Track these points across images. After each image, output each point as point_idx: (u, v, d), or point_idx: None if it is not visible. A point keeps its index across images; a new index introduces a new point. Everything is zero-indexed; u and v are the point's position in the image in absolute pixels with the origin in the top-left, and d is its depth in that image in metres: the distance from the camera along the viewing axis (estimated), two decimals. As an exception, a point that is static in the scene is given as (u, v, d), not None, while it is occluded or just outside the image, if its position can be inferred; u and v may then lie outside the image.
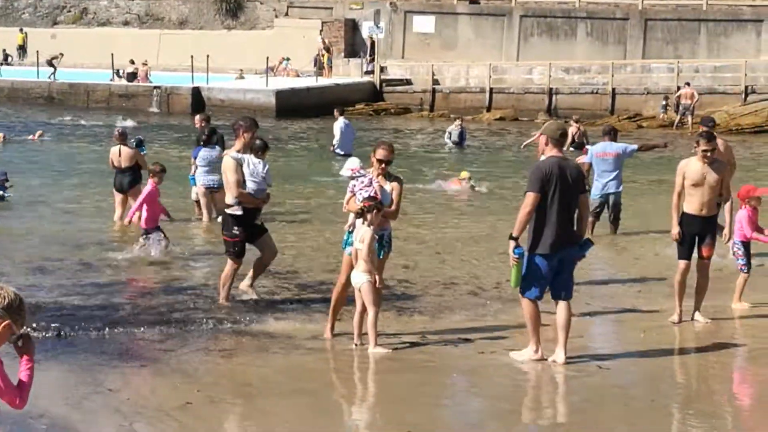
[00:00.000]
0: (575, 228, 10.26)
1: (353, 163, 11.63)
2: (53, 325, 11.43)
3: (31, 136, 33.49)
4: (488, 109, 46.79)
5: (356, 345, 10.85)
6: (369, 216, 10.58)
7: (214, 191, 18.48)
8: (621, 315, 12.68)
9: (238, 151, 12.48)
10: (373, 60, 50.76)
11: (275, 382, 9.87)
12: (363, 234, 10.62)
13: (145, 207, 15.71)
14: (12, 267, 14.78)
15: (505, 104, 46.91)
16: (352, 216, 11.09)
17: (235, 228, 12.44)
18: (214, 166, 18.39)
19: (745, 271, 12.94)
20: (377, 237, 10.73)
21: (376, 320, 10.72)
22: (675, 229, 12.15)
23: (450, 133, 35.00)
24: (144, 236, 15.67)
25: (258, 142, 12.53)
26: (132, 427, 8.50)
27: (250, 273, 12.89)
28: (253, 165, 12.41)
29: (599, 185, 17.95)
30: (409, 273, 14.95)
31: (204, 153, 18.57)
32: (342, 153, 28.84)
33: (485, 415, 9.21)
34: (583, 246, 10.37)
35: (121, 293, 13.42)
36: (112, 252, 15.96)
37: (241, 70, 50.24)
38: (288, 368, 10.52)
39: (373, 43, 51.48)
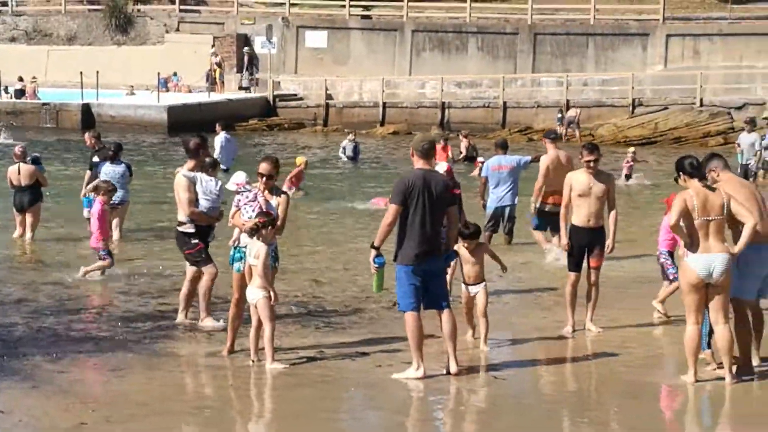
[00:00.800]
0: (443, 239, 10.38)
1: (239, 177, 11.60)
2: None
3: None
4: (382, 124, 47.02)
5: (253, 361, 10.82)
6: (264, 232, 10.58)
7: (115, 208, 18.26)
8: (516, 326, 12.85)
9: (191, 170, 12.39)
10: (251, 75, 50.72)
11: (172, 401, 9.80)
12: (258, 250, 10.61)
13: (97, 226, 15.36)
14: None
15: (399, 118, 47.18)
16: (236, 231, 11.08)
17: (192, 239, 12.35)
18: (118, 182, 18.15)
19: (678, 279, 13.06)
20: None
21: (273, 335, 10.71)
22: (564, 240, 12.43)
23: (344, 148, 35.05)
24: (103, 255, 15.38)
25: (208, 159, 12.49)
26: (26, 450, 8.39)
27: (181, 306, 12.75)
28: (206, 182, 12.33)
29: (495, 198, 18.10)
30: (318, 288, 14.96)
31: (108, 168, 18.27)
32: (224, 168, 28.57)
33: (382, 429, 9.27)
34: (448, 257, 10.60)
35: (14, 313, 13.17)
36: (10, 272, 15.67)
37: (132, 86, 49.73)
38: (185, 386, 10.48)
39: (251, 58, 51.38)
